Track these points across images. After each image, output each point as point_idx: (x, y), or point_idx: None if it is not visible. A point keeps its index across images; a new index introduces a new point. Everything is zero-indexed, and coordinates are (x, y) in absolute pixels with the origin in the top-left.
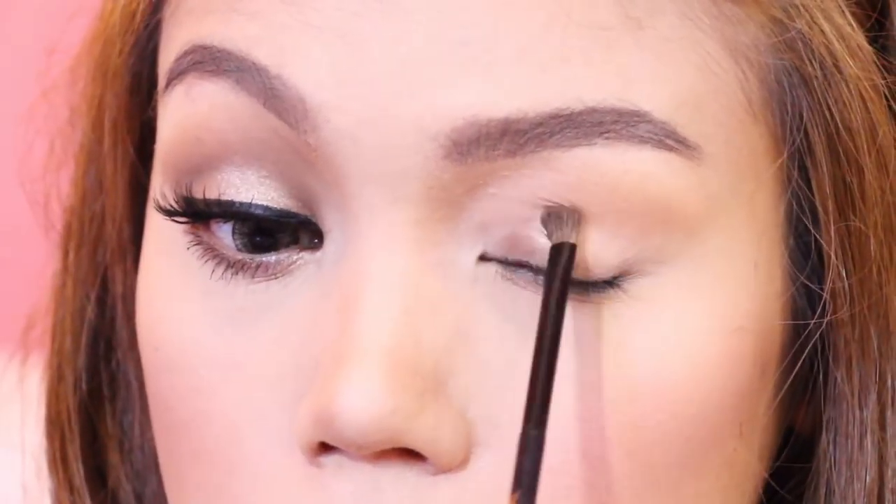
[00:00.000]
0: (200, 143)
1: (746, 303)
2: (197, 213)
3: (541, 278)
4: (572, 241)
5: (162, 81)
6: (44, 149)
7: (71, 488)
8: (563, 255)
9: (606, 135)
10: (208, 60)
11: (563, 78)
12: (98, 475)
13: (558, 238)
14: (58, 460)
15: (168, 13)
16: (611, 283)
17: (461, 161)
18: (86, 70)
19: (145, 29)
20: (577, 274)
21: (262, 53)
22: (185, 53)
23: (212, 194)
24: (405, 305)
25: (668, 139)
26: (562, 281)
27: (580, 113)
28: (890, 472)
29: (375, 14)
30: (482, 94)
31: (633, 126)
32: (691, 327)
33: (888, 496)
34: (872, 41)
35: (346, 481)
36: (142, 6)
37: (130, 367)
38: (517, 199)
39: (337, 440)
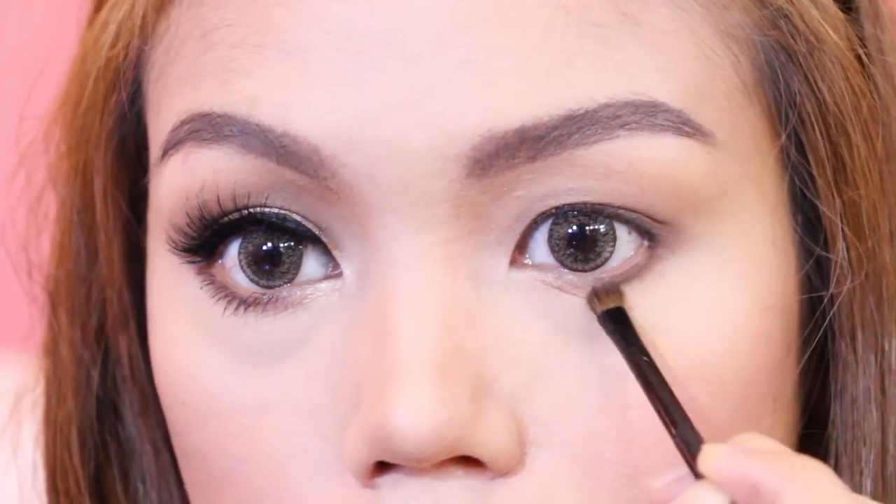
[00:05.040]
0: (207, 205)
1: (771, 281)
2: (213, 233)
3: (577, 271)
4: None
5: (157, 152)
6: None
7: None
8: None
9: (627, 126)
10: (206, 128)
11: (570, 80)
12: None
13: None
14: None
15: (152, 77)
16: (647, 269)
17: (484, 175)
18: (63, 137)
19: (126, 95)
20: (613, 262)
21: (264, 113)
22: (182, 123)
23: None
24: (442, 318)
25: (685, 126)
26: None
27: (595, 110)
28: (892, 437)
29: (376, 49)
30: (493, 107)
31: (651, 116)
32: (725, 308)
33: (890, 461)
34: (844, 13)
35: (405, 497)
36: (121, 72)
37: (144, 432)
38: (542, 196)
39: (397, 457)
